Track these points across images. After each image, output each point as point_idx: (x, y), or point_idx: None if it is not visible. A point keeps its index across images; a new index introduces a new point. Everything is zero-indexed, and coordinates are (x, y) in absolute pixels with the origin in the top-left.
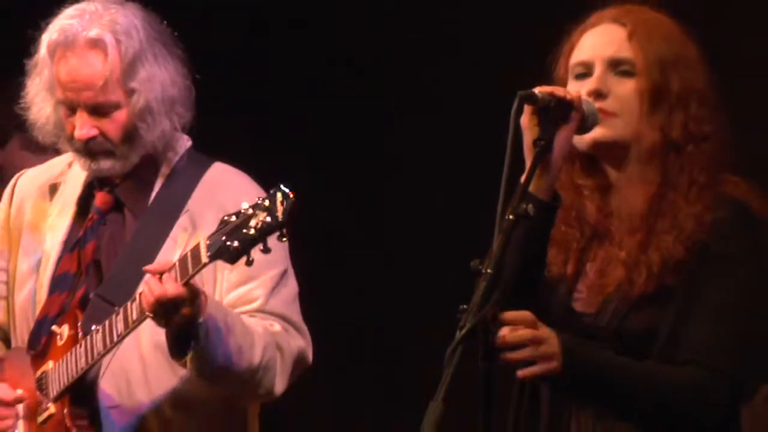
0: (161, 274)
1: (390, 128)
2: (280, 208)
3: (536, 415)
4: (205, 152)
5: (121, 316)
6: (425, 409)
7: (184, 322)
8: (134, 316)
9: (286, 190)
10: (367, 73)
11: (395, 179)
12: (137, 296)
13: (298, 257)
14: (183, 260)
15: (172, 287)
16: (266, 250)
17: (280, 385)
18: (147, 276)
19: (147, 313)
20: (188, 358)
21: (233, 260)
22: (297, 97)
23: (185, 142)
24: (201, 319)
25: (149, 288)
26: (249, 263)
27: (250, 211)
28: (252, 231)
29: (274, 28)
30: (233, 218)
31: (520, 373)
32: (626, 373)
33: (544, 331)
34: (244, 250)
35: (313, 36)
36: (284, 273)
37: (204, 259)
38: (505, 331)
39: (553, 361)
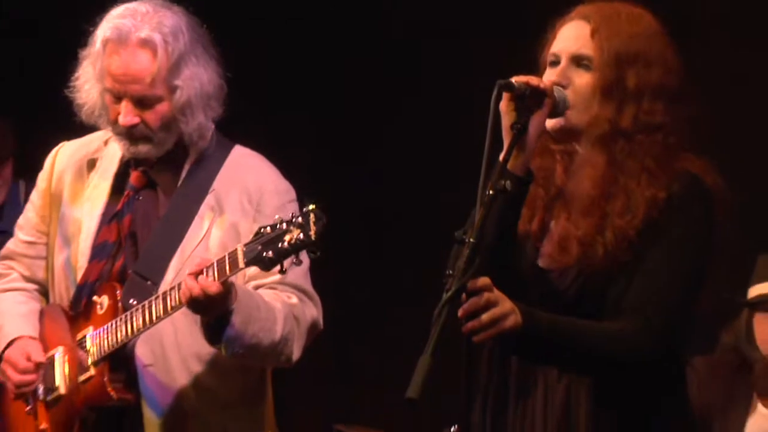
0: (199, 271)
1: (386, 107)
2: (312, 228)
3: (509, 368)
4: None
5: (161, 301)
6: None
7: (218, 313)
8: (173, 304)
9: (319, 211)
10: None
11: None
12: (177, 286)
13: None
14: (221, 262)
15: (210, 286)
16: (298, 263)
17: (297, 353)
18: (185, 269)
19: (185, 305)
20: (222, 344)
21: (267, 269)
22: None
23: (210, 128)
24: (232, 307)
25: (190, 285)
26: (282, 272)
27: (285, 226)
28: (286, 245)
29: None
30: (269, 230)
31: (475, 338)
32: (570, 328)
33: (497, 295)
34: (278, 260)
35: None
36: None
37: (241, 264)
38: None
39: (508, 321)
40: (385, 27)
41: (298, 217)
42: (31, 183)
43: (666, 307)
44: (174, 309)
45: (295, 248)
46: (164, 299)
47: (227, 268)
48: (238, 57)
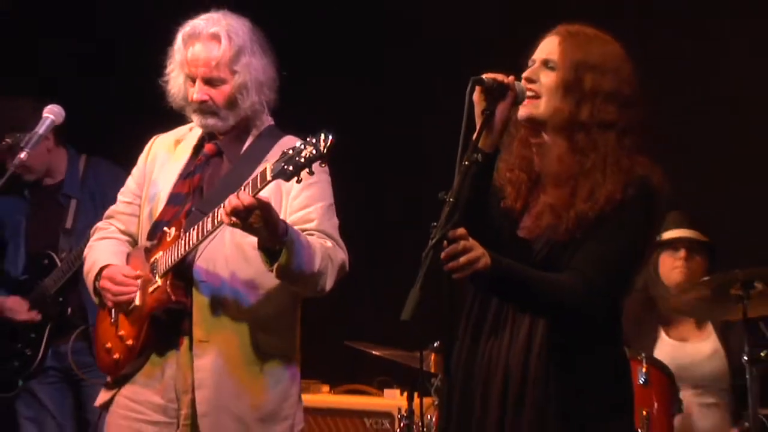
0: (242, 188)
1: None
2: (322, 144)
3: (489, 302)
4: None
5: (210, 218)
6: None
7: (265, 228)
8: (218, 219)
9: (327, 132)
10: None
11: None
12: (222, 205)
13: None
14: (254, 179)
15: (245, 197)
16: (311, 173)
17: (329, 285)
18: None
19: (225, 218)
20: (276, 266)
21: (288, 179)
22: None
23: (269, 120)
24: (286, 239)
25: (230, 198)
26: (299, 181)
27: (302, 146)
28: (302, 159)
29: None
30: (290, 151)
31: (454, 275)
32: (529, 276)
33: (472, 242)
34: (296, 172)
35: None
36: (330, 205)
37: (268, 177)
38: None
39: (480, 262)
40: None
41: (312, 138)
42: (91, 157)
43: (604, 271)
44: (220, 223)
45: (309, 161)
46: (212, 217)
47: (258, 182)
48: None
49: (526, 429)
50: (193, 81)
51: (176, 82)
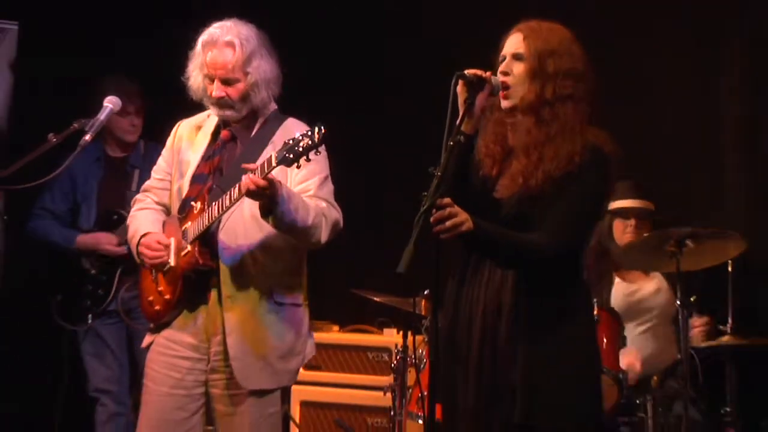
0: (253, 171)
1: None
2: (317, 136)
3: (470, 256)
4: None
5: (228, 194)
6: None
7: (268, 199)
8: (236, 195)
9: (321, 126)
10: None
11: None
12: (238, 185)
13: None
14: (263, 164)
15: (257, 178)
16: (308, 159)
17: (324, 238)
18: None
19: (243, 193)
20: (272, 217)
21: (289, 165)
22: None
23: (273, 106)
24: (283, 194)
25: (245, 179)
26: (299, 167)
27: (300, 137)
28: (300, 149)
29: None
30: (291, 142)
31: (442, 236)
32: (506, 234)
33: (457, 209)
34: (295, 159)
35: None
36: (326, 177)
37: (274, 163)
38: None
39: (464, 226)
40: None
41: (308, 131)
42: (149, 143)
43: (566, 231)
44: (237, 198)
45: (306, 150)
46: (230, 194)
47: (266, 166)
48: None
49: (504, 343)
50: (212, 80)
51: (196, 80)
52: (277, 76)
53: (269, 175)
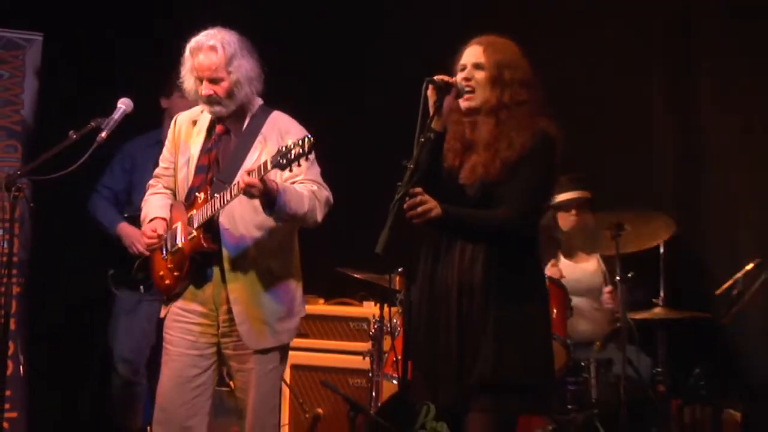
0: (249, 172)
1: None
2: (306, 145)
3: (440, 237)
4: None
5: (228, 191)
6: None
7: (265, 197)
8: (235, 191)
9: (310, 137)
10: None
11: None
12: (236, 182)
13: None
14: (259, 167)
15: (254, 179)
16: (299, 165)
17: (320, 218)
18: (242, 172)
19: (241, 190)
20: (272, 212)
21: (282, 169)
22: None
23: (259, 101)
24: (280, 191)
25: (243, 179)
26: (290, 170)
27: (291, 146)
28: (292, 156)
29: None
30: (284, 149)
31: (414, 221)
32: (471, 215)
33: (427, 197)
34: (288, 164)
35: None
36: (313, 161)
37: (269, 168)
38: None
39: (433, 212)
40: None
41: (300, 140)
42: None
43: (525, 203)
44: (236, 194)
45: (297, 157)
46: (230, 189)
47: (262, 170)
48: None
49: (475, 314)
50: (201, 81)
51: (189, 83)
52: (258, 74)
53: (265, 177)
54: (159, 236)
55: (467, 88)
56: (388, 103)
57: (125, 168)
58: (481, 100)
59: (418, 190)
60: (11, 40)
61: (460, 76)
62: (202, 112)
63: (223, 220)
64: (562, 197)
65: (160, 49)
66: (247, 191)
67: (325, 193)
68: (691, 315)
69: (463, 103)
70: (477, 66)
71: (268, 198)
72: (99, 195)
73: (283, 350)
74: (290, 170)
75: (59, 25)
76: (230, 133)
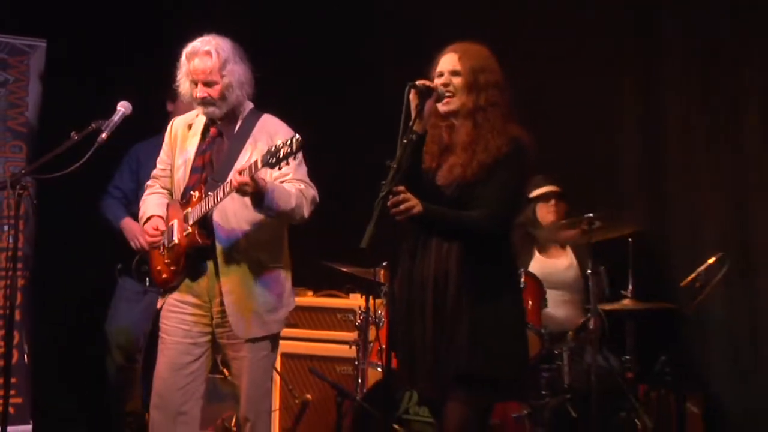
0: (241, 171)
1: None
2: (295, 145)
3: (419, 233)
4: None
5: (221, 189)
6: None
7: (255, 194)
8: (227, 190)
9: (298, 137)
10: None
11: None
12: (229, 180)
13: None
14: (250, 166)
15: (245, 178)
16: (287, 164)
17: (306, 214)
18: (234, 172)
19: (234, 188)
20: (260, 209)
21: (272, 167)
22: None
23: (250, 105)
24: (269, 189)
25: (235, 178)
26: (279, 168)
27: (280, 145)
28: (281, 155)
29: None
30: (273, 148)
31: (397, 218)
32: (450, 214)
33: (409, 195)
34: (277, 163)
35: None
36: (301, 161)
37: (259, 166)
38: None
39: (414, 209)
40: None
41: (288, 140)
42: None
43: (500, 205)
44: (228, 192)
45: (285, 156)
46: (223, 188)
47: (253, 168)
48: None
49: (452, 307)
50: (196, 84)
51: (184, 86)
52: (249, 79)
53: (255, 176)
54: (161, 233)
55: (447, 93)
56: (373, 105)
57: (133, 169)
58: (459, 104)
59: (401, 188)
60: (16, 46)
61: (438, 82)
62: (197, 116)
63: (217, 217)
64: (540, 191)
65: (158, 54)
66: (240, 189)
67: (312, 191)
68: (658, 306)
69: (443, 107)
70: (454, 73)
71: (258, 195)
72: (110, 196)
73: (274, 339)
74: (279, 168)
75: (61, 32)
76: (223, 135)
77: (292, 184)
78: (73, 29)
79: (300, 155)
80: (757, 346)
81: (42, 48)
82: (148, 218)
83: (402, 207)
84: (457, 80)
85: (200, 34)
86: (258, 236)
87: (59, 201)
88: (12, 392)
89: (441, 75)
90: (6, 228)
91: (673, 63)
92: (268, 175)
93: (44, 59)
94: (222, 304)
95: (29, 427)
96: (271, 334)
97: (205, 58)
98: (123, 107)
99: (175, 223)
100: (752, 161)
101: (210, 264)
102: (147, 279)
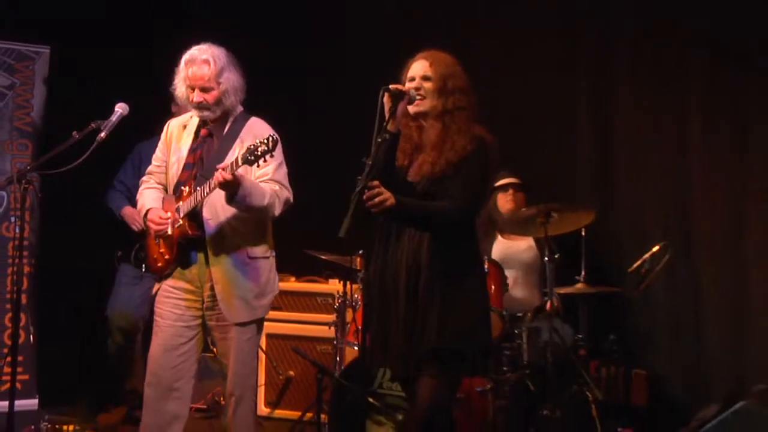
0: (224, 168)
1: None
2: (271, 144)
3: (392, 225)
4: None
5: (207, 185)
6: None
7: (234, 190)
8: (212, 185)
9: (275, 135)
10: None
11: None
12: (215, 176)
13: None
14: (231, 163)
15: (227, 174)
16: (265, 161)
17: (277, 212)
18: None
19: (217, 185)
20: (233, 203)
21: (251, 164)
22: None
23: (240, 108)
24: (243, 185)
25: (218, 174)
26: (258, 166)
27: (258, 144)
28: (258, 152)
29: None
30: (251, 146)
31: (372, 210)
32: (420, 206)
33: (383, 189)
34: (255, 160)
35: None
36: (281, 163)
37: (240, 163)
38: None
39: (388, 202)
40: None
41: (265, 138)
42: None
43: (464, 198)
44: (213, 188)
45: (263, 154)
46: (209, 183)
47: (234, 165)
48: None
49: (422, 291)
50: (193, 89)
51: (181, 90)
52: (242, 85)
53: (236, 173)
54: (166, 220)
55: (418, 96)
56: (351, 107)
57: (135, 165)
58: (429, 106)
59: (376, 183)
60: (22, 52)
61: (410, 86)
62: (191, 117)
63: (206, 210)
64: (500, 182)
65: (151, 60)
66: (222, 185)
67: (286, 193)
68: (607, 290)
69: (413, 108)
70: (425, 78)
71: (234, 190)
72: (113, 189)
73: (260, 322)
74: (258, 166)
75: (64, 40)
76: (213, 135)
77: (268, 185)
78: (75, 37)
79: (282, 158)
80: (697, 327)
81: (46, 54)
82: (148, 210)
83: (376, 200)
84: (428, 84)
85: (197, 43)
86: (244, 228)
87: (62, 194)
88: (19, 369)
89: (413, 79)
90: (13, 219)
91: (627, 71)
92: (251, 174)
93: (48, 64)
94: (212, 289)
95: (35, 401)
96: (257, 318)
97: (203, 66)
98: (120, 108)
99: (169, 215)
100: (694, 158)
101: (200, 254)
102: (143, 265)
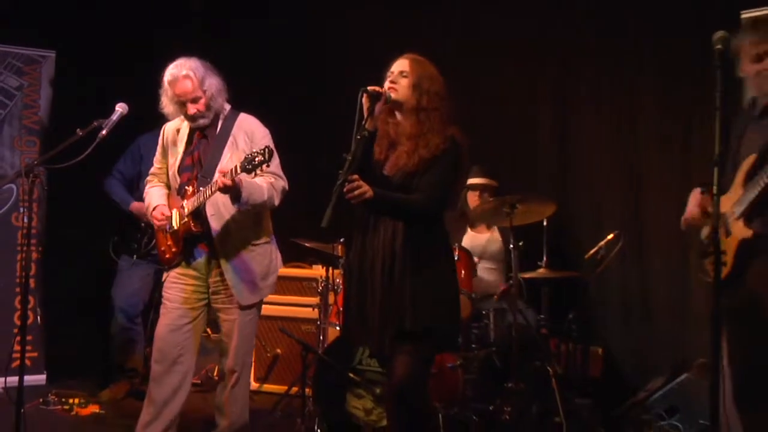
0: (224, 174)
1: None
2: (267, 155)
3: (369, 216)
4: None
5: (209, 187)
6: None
7: (235, 193)
8: (213, 189)
9: (271, 147)
10: None
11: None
12: (215, 181)
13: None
14: (231, 170)
15: (227, 179)
16: (262, 170)
17: (276, 203)
18: (218, 171)
19: (218, 189)
20: (237, 204)
21: (249, 173)
22: None
23: (227, 107)
24: (243, 187)
25: (218, 179)
26: (255, 174)
27: (256, 154)
28: (256, 162)
29: None
30: (250, 156)
31: (352, 201)
32: (396, 197)
33: (362, 183)
34: (252, 169)
35: None
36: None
37: (239, 171)
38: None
39: (367, 194)
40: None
41: (261, 149)
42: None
43: (435, 193)
44: (214, 191)
45: (260, 164)
46: (210, 186)
47: (233, 172)
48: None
49: (397, 276)
50: (184, 104)
51: (170, 108)
52: (224, 86)
53: (235, 178)
54: (167, 217)
55: (392, 93)
56: (333, 106)
57: (135, 157)
58: (402, 96)
59: (355, 176)
60: (30, 56)
61: (387, 79)
62: (182, 121)
63: (209, 208)
64: (471, 181)
65: (150, 62)
66: (222, 189)
67: (282, 183)
68: (566, 274)
69: (391, 94)
70: (402, 74)
71: (236, 193)
72: (113, 177)
73: (260, 304)
74: (255, 175)
75: (69, 44)
76: (207, 137)
77: (264, 178)
78: (79, 42)
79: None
80: (647, 308)
81: (52, 58)
82: (154, 207)
83: (356, 192)
84: (404, 81)
85: (172, 60)
86: (245, 220)
87: (66, 187)
88: (28, 347)
89: (391, 74)
90: (22, 210)
91: (586, 73)
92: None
93: (54, 67)
94: (218, 275)
95: (43, 376)
96: (262, 298)
97: (186, 81)
98: (121, 108)
99: (175, 212)
100: (645, 156)
101: (206, 247)
102: (134, 255)
